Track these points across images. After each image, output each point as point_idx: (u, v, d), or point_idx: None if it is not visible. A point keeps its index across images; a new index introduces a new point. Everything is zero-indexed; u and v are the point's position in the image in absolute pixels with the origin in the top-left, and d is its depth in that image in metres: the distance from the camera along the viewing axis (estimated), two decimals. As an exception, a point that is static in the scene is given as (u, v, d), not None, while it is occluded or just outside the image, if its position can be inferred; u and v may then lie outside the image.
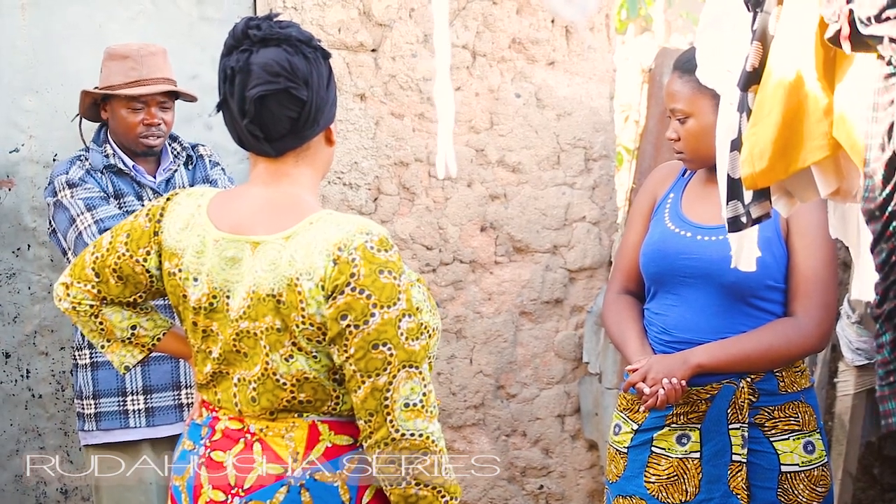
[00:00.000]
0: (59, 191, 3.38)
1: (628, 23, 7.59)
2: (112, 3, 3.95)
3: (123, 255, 2.24)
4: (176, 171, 3.56)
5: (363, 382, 2.03)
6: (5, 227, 3.91)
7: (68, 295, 2.30)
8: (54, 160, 3.88)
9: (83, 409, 3.46)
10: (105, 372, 3.42)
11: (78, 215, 3.32)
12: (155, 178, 3.52)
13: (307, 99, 2.09)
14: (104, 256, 2.26)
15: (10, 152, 3.89)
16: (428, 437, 2.04)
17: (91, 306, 2.30)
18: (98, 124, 3.56)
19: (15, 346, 3.94)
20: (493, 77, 4.29)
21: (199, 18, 4.05)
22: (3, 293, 3.92)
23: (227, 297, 2.12)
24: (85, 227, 3.30)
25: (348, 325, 2.02)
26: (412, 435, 2.03)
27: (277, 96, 2.07)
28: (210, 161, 3.63)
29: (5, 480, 3.95)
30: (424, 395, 2.04)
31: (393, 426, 2.03)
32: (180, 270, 2.17)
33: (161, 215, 2.22)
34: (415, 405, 2.03)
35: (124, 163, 3.48)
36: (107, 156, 3.47)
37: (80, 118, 3.55)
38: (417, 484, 2.05)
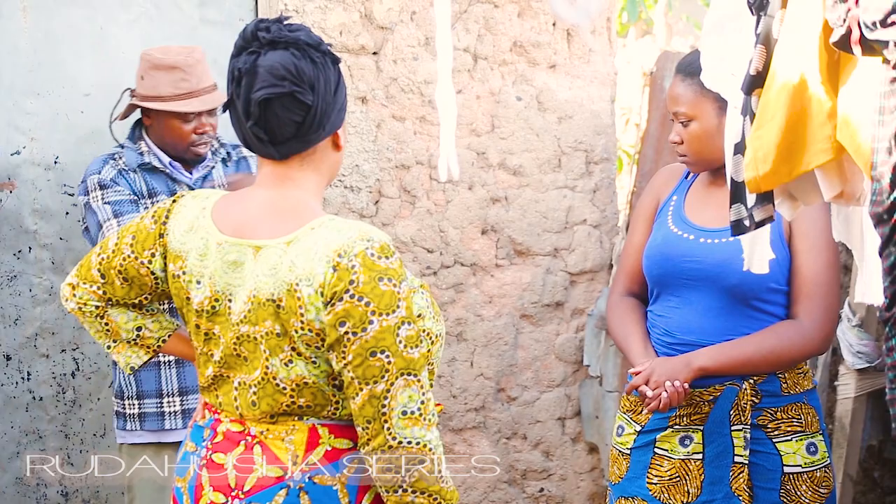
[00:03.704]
0: (91, 191, 3.35)
1: (629, 26, 7.60)
2: (113, 6, 3.94)
3: (128, 256, 2.23)
4: (213, 167, 3.51)
5: (361, 389, 2.03)
6: (6, 229, 3.90)
7: (74, 295, 2.30)
8: (56, 162, 3.88)
9: (124, 408, 3.44)
10: (145, 373, 3.40)
11: (104, 221, 3.30)
12: (191, 174, 3.47)
13: (312, 103, 2.08)
14: (110, 258, 2.26)
15: (11, 154, 3.88)
16: (425, 445, 2.04)
17: (97, 307, 2.30)
18: (134, 122, 3.49)
19: (16, 348, 3.94)
20: (495, 80, 4.29)
21: (200, 21, 4.04)
22: (4, 295, 3.91)
23: (229, 300, 2.12)
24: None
25: (346, 332, 2.01)
26: (409, 443, 2.03)
27: (282, 100, 2.06)
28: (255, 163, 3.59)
29: (6, 483, 3.95)
30: (423, 402, 2.04)
31: (390, 434, 2.02)
32: (184, 273, 2.16)
33: (167, 217, 2.21)
34: (412, 413, 2.03)
35: (160, 160, 3.43)
36: (141, 153, 3.42)
37: (112, 120, 3.49)
38: (414, 491, 2.05)
